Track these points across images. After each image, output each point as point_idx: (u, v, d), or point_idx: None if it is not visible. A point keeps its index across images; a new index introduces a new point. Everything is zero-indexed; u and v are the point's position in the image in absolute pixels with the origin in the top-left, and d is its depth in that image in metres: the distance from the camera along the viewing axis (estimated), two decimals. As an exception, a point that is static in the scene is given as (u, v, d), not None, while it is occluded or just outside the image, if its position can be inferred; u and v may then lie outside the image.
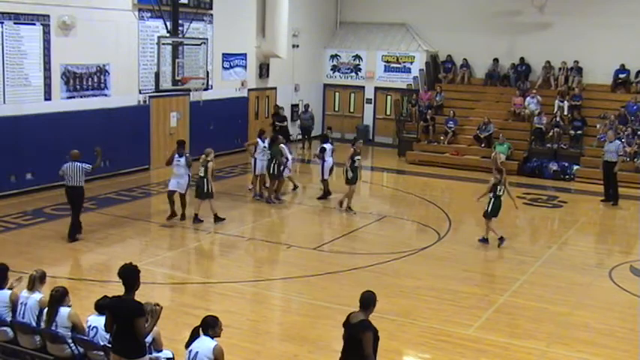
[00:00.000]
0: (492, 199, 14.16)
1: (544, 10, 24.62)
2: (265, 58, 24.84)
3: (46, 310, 7.75)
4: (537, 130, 22.83)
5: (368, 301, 6.94)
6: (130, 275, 6.90)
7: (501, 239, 14.23)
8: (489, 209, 14.21)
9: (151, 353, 7.32)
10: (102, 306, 7.49)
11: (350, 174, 16.39)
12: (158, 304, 7.05)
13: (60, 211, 15.76)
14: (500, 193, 14.17)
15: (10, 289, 8.18)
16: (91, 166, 13.56)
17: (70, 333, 7.61)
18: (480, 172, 22.09)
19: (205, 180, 14.93)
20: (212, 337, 6.95)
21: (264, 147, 17.41)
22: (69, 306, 7.79)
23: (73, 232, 13.73)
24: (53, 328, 7.61)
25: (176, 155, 15.17)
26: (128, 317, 6.74)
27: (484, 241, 14.36)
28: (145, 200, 17.57)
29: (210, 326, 6.99)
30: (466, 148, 23.50)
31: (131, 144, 19.59)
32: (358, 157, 16.59)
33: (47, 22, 17.19)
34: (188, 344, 7.02)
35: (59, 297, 7.67)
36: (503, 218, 17.10)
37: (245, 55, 23.99)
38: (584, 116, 22.91)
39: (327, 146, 17.97)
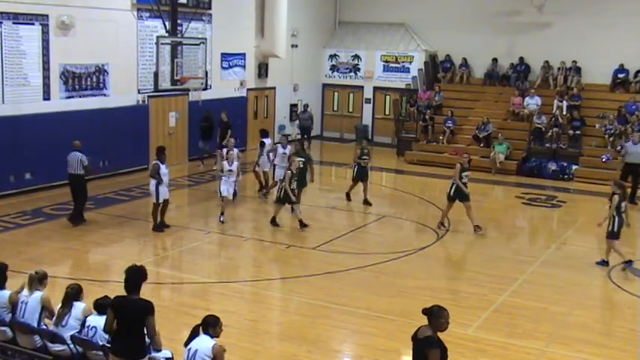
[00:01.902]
0: (616, 217, 12.89)
1: (543, 10, 24.62)
2: (264, 57, 24.84)
3: (59, 306, 7.85)
4: (536, 129, 22.84)
5: (434, 314, 6.47)
6: (135, 276, 6.95)
7: (629, 262, 13.03)
8: (615, 228, 12.91)
9: (150, 353, 7.33)
10: (102, 305, 7.51)
11: (459, 191, 15.05)
12: None
13: (59, 210, 15.77)
14: (623, 210, 12.97)
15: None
16: (87, 162, 14.44)
17: (79, 327, 7.66)
18: (479, 172, 22.10)
19: (284, 186, 14.91)
20: (212, 337, 6.96)
21: (284, 153, 16.69)
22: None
23: (76, 219, 14.58)
24: (65, 319, 7.70)
25: (160, 163, 14.39)
26: (137, 316, 6.77)
27: (604, 263, 13.14)
28: (144, 200, 17.52)
29: (210, 325, 7.00)
30: (465, 148, 23.45)
31: (130, 144, 19.58)
32: (466, 174, 15.25)
33: (46, 21, 17.18)
34: (187, 342, 7.04)
35: (75, 293, 7.83)
36: (501, 218, 17.12)
37: (244, 54, 23.99)
38: (583, 116, 22.92)
39: (267, 141, 18.10)
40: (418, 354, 6.41)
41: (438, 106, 25.34)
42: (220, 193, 15.34)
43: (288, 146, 16.89)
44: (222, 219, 15.29)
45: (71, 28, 17.65)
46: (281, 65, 25.40)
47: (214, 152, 20.33)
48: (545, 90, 24.51)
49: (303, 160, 16.24)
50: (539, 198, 19.06)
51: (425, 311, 6.47)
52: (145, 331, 6.95)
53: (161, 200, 14.53)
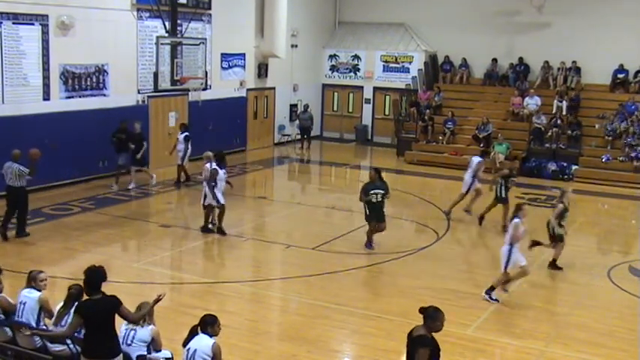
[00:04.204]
0: None
1: (543, 10, 24.60)
2: (264, 58, 24.84)
3: (59, 306, 7.85)
4: (536, 129, 22.84)
5: (429, 315, 6.51)
6: (94, 276, 7.02)
7: None
8: None
9: (150, 353, 7.34)
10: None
11: None
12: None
13: (59, 210, 15.80)
14: None
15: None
16: (27, 170, 13.49)
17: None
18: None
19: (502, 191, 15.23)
20: (210, 336, 6.98)
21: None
22: None
23: (20, 229, 13.79)
24: (65, 319, 7.69)
25: (219, 169, 14.20)
26: (108, 314, 6.83)
27: None
28: (143, 200, 17.57)
29: (209, 324, 7.03)
30: (465, 148, 23.49)
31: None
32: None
33: (46, 22, 17.19)
34: (186, 342, 7.06)
35: (77, 294, 7.80)
36: (501, 218, 17.08)
37: (244, 55, 24.00)
38: (580, 117, 22.89)
39: (187, 135, 18.54)
40: (412, 352, 6.48)
41: (437, 106, 25.35)
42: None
43: None
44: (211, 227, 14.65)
45: (71, 28, 17.65)
46: (281, 65, 25.41)
47: (131, 168, 18.31)
48: (544, 90, 24.51)
49: (382, 192, 13.81)
50: (538, 198, 19.05)
51: (421, 310, 6.56)
52: (125, 322, 7.10)
53: (223, 201, 14.33)
